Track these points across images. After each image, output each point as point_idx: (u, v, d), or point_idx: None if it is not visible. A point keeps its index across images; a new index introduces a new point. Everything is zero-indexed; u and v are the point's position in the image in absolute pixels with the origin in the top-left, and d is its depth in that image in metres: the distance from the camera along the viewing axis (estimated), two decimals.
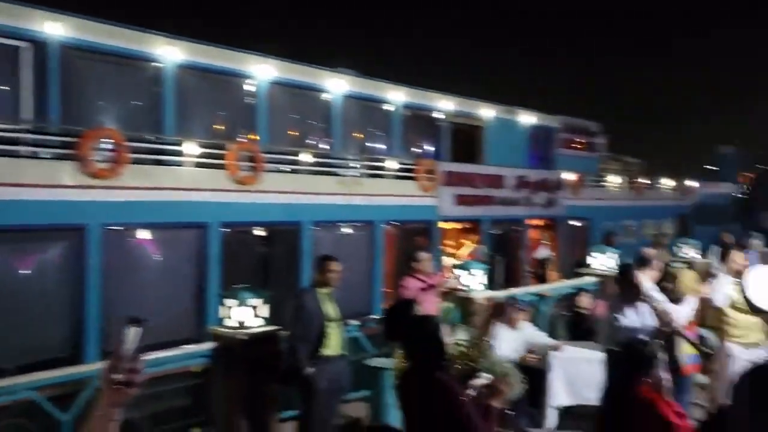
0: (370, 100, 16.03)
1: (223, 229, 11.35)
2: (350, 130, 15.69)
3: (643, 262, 6.75)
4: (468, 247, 17.47)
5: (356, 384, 7.64)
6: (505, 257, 18.07)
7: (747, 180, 47.20)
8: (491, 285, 15.70)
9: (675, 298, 6.65)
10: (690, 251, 12.67)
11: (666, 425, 3.79)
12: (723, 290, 6.75)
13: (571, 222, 21.35)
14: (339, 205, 13.50)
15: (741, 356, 6.43)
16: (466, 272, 8.91)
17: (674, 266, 9.40)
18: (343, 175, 13.93)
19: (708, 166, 42.16)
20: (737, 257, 7.11)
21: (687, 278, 8.11)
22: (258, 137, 13.27)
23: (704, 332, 7.67)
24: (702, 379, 7.45)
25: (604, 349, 5.86)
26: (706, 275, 8.74)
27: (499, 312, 7.52)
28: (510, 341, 7.60)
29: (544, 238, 18.25)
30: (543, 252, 17.30)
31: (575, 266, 15.41)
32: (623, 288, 5.95)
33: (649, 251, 7.08)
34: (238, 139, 12.90)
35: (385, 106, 16.28)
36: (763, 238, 13.86)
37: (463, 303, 8.57)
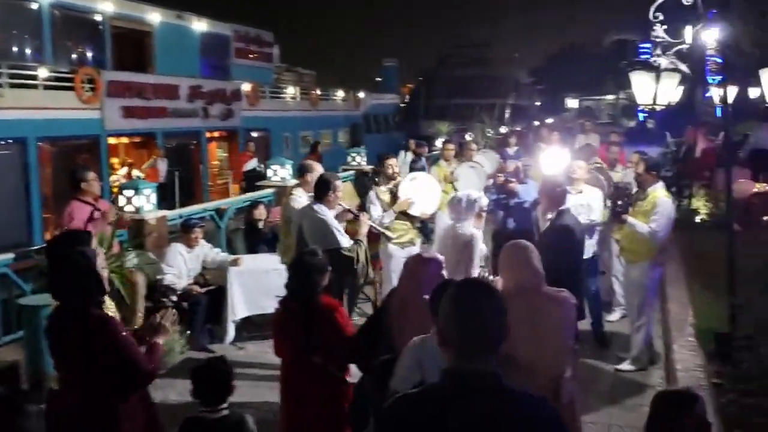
0: None
1: None
2: None
3: (302, 173, 6.71)
4: (148, 162, 16.36)
5: (9, 326, 6.71)
6: (184, 172, 17.41)
7: (408, 91, 52.08)
8: (170, 202, 15.14)
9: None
10: (358, 159, 13.44)
11: (341, 328, 3.94)
12: (377, 198, 7.09)
13: (251, 133, 21.30)
14: None
15: (398, 255, 7.00)
16: (135, 192, 8.21)
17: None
18: None
19: (376, 78, 45.39)
20: (391, 163, 7.51)
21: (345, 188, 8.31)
22: None
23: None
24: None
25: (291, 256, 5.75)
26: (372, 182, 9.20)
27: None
28: (187, 262, 7.28)
29: (249, 149, 17.75)
30: (251, 164, 16.95)
31: (256, 179, 15.41)
32: (320, 196, 5.83)
33: (310, 162, 7.03)
34: None
35: (30, 4, 14.00)
36: (424, 144, 15.33)
37: (134, 225, 7.95)
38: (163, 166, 16.29)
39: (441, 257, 4.01)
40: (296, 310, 3.97)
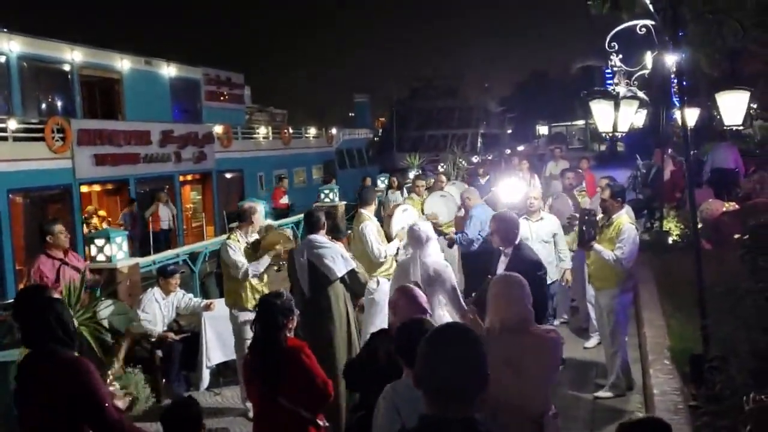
0: None
1: None
2: None
3: (246, 216, 6.56)
4: (150, 208, 16.27)
5: None
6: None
7: (381, 124, 52.51)
8: (145, 248, 14.99)
9: None
10: (331, 195, 13.47)
11: (308, 370, 3.90)
12: (371, 230, 7.07)
13: (225, 174, 21.34)
14: None
15: (384, 288, 6.98)
16: (106, 241, 8.15)
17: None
18: None
19: (350, 114, 45.71)
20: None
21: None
22: None
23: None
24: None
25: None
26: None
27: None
28: (162, 308, 7.20)
29: (283, 185, 17.92)
30: (285, 199, 17.22)
31: (229, 220, 15.40)
32: (316, 229, 5.93)
33: (251, 204, 6.80)
34: None
35: None
36: (400, 176, 15.39)
37: (105, 274, 7.89)
38: (165, 211, 16.18)
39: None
40: (261, 352, 3.95)
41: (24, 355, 3.44)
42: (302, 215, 8.07)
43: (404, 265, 5.50)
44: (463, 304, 5.13)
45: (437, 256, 5.45)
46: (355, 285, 5.93)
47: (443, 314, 4.99)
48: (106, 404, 3.22)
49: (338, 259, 5.81)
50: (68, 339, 3.31)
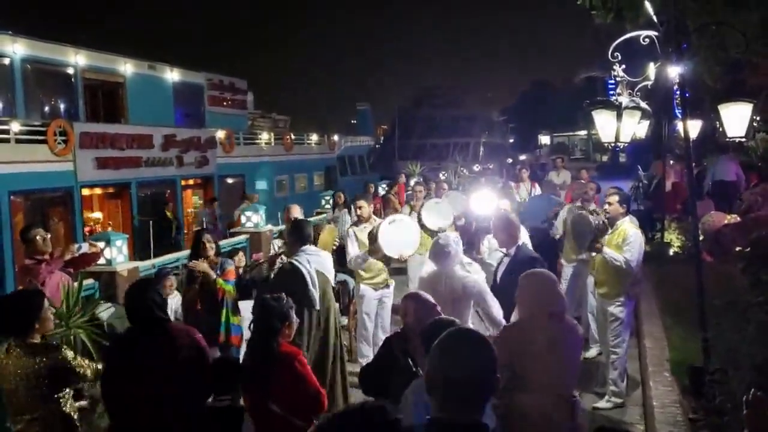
0: None
1: None
2: None
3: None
4: (240, 207, 16.16)
5: None
6: (159, 221, 17.28)
7: (382, 132, 52.56)
8: (145, 250, 14.97)
9: None
10: (331, 202, 13.46)
11: (302, 377, 3.89)
12: (355, 238, 7.11)
13: (227, 179, 21.33)
14: None
15: (370, 296, 7.05)
16: (106, 244, 8.16)
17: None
18: None
19: (352, 121, 45.80)
20: (361, 205, 7.51)
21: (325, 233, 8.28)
22: None
23: (346, 277, 8.20)
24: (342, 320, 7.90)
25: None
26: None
27: None
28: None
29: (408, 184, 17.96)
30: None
31: (229, 225, 15.38)
32: (294, 243, 5.85)
33: (293, 206, 7.06)
34: None
35: (1, 59, 13.99)
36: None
37: (104, 277, 7.90)
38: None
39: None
40: (254, 354, 3.94)
41: (126, 330, 3.94)
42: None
43: (429, 280, 5.11)
44: (501, 319, 4.89)
45: (464, 270, 5.12)
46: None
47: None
48: (211, 359, 3.86)
49: (332, 267, 5.86)
50: (165, 314, 3.87)
